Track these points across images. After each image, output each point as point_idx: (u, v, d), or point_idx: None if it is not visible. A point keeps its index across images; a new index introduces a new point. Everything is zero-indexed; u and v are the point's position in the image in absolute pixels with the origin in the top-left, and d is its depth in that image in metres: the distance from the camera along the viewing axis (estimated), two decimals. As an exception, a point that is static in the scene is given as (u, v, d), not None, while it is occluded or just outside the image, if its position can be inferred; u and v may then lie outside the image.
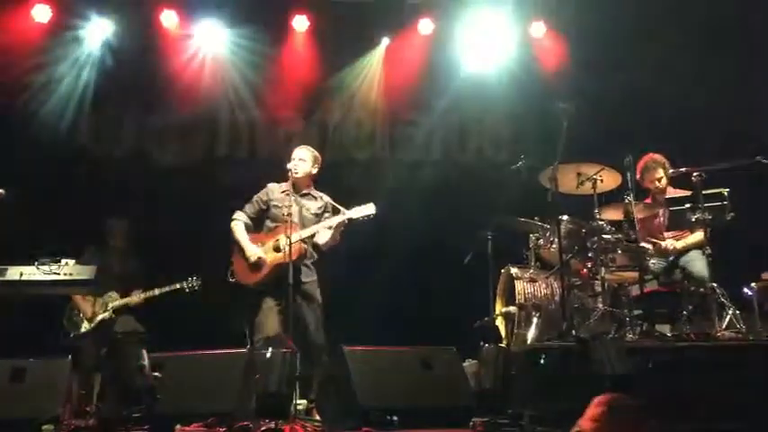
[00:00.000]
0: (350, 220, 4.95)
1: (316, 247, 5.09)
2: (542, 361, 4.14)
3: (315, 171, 5.26)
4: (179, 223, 6.70)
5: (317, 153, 5.33)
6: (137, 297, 5.85)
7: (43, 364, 4.44)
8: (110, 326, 5.79)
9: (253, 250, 4.99)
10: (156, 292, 5.84)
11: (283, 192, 5.14)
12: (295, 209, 4.96)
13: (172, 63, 7.21)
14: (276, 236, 4.95)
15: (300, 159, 5.19)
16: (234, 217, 5.18)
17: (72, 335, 5.75)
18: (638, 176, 5.44)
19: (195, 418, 3.80)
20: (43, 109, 6.99)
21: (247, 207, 5.22)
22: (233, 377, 4.13)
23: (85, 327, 5.78)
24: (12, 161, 6.43)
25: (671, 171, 5.41)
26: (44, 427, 3.85)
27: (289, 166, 5.10)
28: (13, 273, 4.87)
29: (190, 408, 3.94)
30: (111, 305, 5.83)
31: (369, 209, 5.00)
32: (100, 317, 5.79)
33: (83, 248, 5.89)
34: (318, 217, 5.15)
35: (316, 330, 4.91)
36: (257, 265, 4.95)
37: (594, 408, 2.85)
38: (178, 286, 5.79)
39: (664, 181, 5.50)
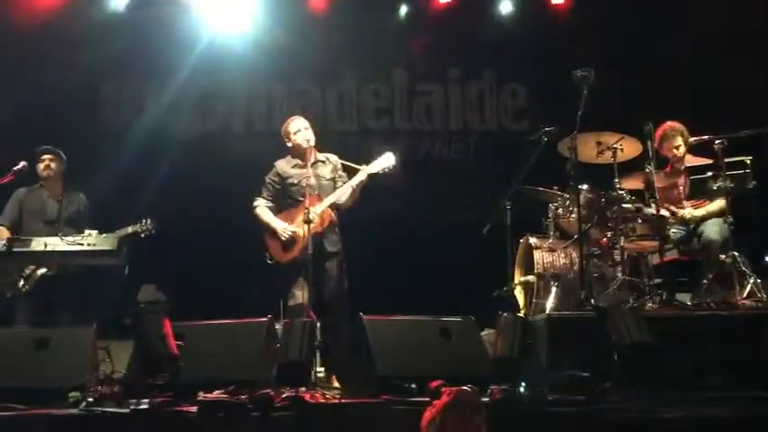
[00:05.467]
0: (370, 175, 4.94)
1: (337, 208, 5.08)
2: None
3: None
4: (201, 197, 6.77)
5: None
6: None
7: (68, 333, 4.52)
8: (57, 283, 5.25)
9: (284, 227, 4.99)
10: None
11: (294, 166, 5.14)
12: (312, 180, 4.97)
13: (187, 33, 7.21)
14: (303, 209, 4.94)
15: (306, 128, 5.16)
16: (255, 204, 5.18)
17: (8, 295, 5.21)
18: (656, 145, 5.38)
19: (217, 385, 3.86)
20: (62, 82, 7.03)
21: (264, 191, 5.21)
22: (254, 345, 4.19)
23: (23, 285, 5.23)
24: (33, 135, 6.49)
25: (692, 139, 5.35)
26: (70, 394, 3.93)
27: (298, 137, 5.09)
28: (38, 244, 4.97)
29: (212, 375, 4.00)
30: None
31: (388, 159, 4.97)
32: (40, 272, 5.25)
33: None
34: (333, 181, 5.15)
35: (338, 300, 4.95)
36: (292, 240, 4.95)
37: (442, 398, 2.94)
38: (130, 230, 5.35)
39: (682, 149, 5.43)
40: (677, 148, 5.43)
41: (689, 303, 5.00)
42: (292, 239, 4.95)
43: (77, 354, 4.18)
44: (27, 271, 5.25)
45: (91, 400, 3.78)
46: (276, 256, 5.03)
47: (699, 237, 5.25)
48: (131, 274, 5.33)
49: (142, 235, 5.41)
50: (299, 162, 5.11)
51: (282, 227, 4.99)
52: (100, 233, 5.14)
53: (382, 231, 6.66)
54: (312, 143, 5.08)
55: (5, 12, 6.86)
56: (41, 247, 4.92)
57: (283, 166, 5.21)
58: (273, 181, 5.20)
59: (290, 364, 3.92)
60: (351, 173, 5.13)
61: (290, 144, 5.19)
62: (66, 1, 7.12)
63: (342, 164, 5.19)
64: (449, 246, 6.80)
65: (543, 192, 5.56)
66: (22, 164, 5.47)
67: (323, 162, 5.20)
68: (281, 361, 3.98)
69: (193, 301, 5.38)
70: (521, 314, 5.29)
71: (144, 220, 5.40)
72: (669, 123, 5.48)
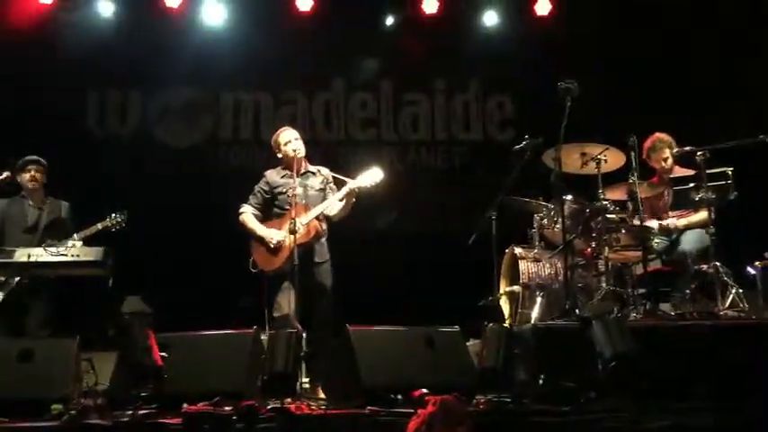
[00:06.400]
0: (358, 188, 4.94)
1: (327, 220, 5.08)
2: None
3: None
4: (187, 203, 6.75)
5: None
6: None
7: (51, 344, 4.48)
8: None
9: (271, 234, 4.96)
10: (76, 237, 5.20)
11: (283, 176, 5.14)
12: (299, 190, 4.97)
13: (174, 42, 7.21)
14: (289, 219, 4.91)
15: (296, 139, 5.15)
16: (241, 210, 5.14)
17: None
18: (643, 155, 5.43)
19: (202, 397, 3.84)
20: (47, 91, 7.00)
21: (251, 199, 5.18)
22: (239, 357, 4.17)
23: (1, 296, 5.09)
24: (18, 145, 6.46)
25: (675, 150, 5.40)
26: (53, 406, 3.89)
27: (288, 148, 5.09)
28: (21, 255, 4.93)
29: (196, 387, 3.98)
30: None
31: (375, 174, 4.95)
32: (15, 280, 5.10)
33: None
34: (322, 192, 5.14)
35: (324, 310, 4.94)
36: (278, 248, 4.92)
37: (427, 407, 2.94)
38: (100, 227, 5.31)
39: (670, 160, 5.48)
40: (665, 159, 5.48)
41: (672, 313, 5.04)
42: (278, 248, 4.94)
43: (60, 365, 4.14)
44: (2, 279, 5.13)
45: (74, 412, 3.74)
46: (261, 265, 5.00)
47: (681, 247, 5.29)
48: (116, 284, 5.32)
49: (113, 230, 5.36)
50: (289, 172, 5.10)
51: (271, 235, 4.97)
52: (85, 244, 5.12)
53: (368, 241, 6.67)
54: (302, 154, 5.08)
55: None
56: (25, 258, 4.87)
57: (273, 175, 5.21)
58: (263, 190, 5.18)
59: (275, 376, 3.91)
60: (341, 186, 5.11)
61: (280, 154, 5.19)
62: (53, 8, 7.10)
63: (333, 177, 5.19)
64: (434, 256, 6.83)
65: (528, 202, 5.59)
66: (5, 174, 5.44)
67: (313, 173, 5.19)
68: (267, 372, 3.97)
69: (178, 311, 5.35)
70: (506, 324, 5.30)
71: (113, 214, 5.36)
72: (657, 135, 5.53)
